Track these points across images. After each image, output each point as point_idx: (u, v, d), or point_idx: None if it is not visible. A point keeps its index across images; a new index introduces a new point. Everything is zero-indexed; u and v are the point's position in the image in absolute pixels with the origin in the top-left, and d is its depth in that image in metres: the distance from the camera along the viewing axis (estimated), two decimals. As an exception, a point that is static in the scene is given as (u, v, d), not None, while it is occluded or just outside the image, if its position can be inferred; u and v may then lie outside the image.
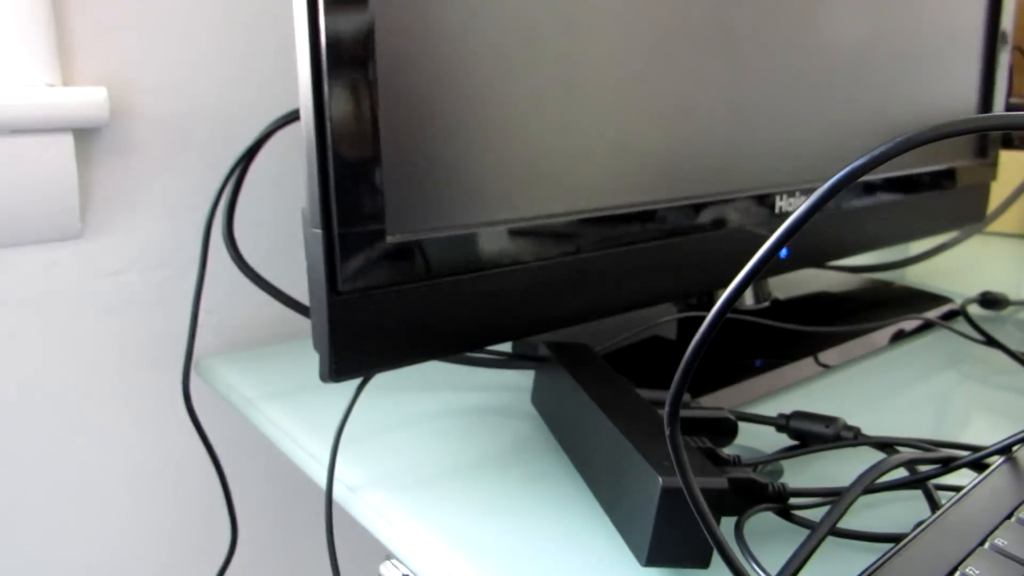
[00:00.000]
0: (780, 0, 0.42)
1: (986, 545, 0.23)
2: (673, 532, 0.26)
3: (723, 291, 0.24)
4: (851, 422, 0.38)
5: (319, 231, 0.28)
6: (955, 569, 0.22)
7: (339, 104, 0.27)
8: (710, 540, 0.23)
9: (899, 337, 0.49)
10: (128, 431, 0.47)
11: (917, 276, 0.63)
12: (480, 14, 0.30)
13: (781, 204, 0.44)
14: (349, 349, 0.28)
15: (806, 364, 0.44)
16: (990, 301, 0.53)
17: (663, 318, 0.49)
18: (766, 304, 0.52)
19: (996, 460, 0.28)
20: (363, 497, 0.32)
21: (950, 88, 0.55)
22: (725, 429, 0.32)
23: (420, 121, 0.29)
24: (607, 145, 0.35)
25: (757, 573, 0.25)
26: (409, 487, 0.32)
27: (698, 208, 0.40)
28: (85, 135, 0.43)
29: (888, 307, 0.52)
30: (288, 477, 0.54)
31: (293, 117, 0.39)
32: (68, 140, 0.41)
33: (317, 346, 0.29)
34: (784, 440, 0.36)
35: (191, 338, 0.39)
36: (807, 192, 0.45)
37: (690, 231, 0.39)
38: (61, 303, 0.43)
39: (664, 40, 0.37)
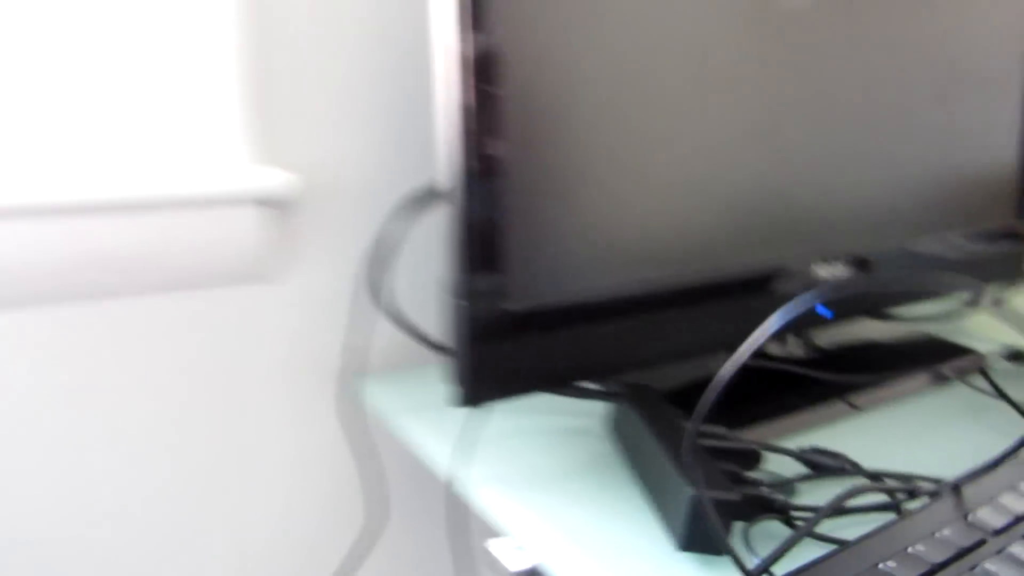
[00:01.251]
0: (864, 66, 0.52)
1: (885, 564, 0.33)
2: (698, 528, 0.37)
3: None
4: (868, 458, 0.47)
5: (461, 303, 0.40)
6: (875, 565, 0.32)
7: (477, 204, 0.39)
8: (719, 534, 0.34)
9: (923, 385, 0.58)
10: (288, 431, 0.60)
11: (956, 326, 0.71)
12: (599, 118, 0.42)
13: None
14: (478, 386, 0.40)
15: (836, 406, 0.53)
16: (1014, 355, 0.61)
17: (712, 360, 0.59)
18: (803, 353, 0.61)
19: (946, 491, 0.38)
20: (478, 489, 0.44)
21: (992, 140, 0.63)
22: (751, 457, 0.43)
23: (540, 216, 0.41)
24: (700, 216, 0.46)
25: (749, 559, 0.36)
26: (515, 482, 0.44)
27: (774, 273, 0.50)
28: (277, 204, 0.57)
29: (919, 358, 0.61)
30: (415, 473, 0.67)
31: (427, 197, 0.51)
32: (263, 211, 0.55)
33: (453, 380, 0.41)
34: (804, 469, 0.46)
35: (344, 359, 0.52)
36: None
37: (757, 293, 0.50)
38: (249, 328, 0.57)
39: (768, 109, 0.47)
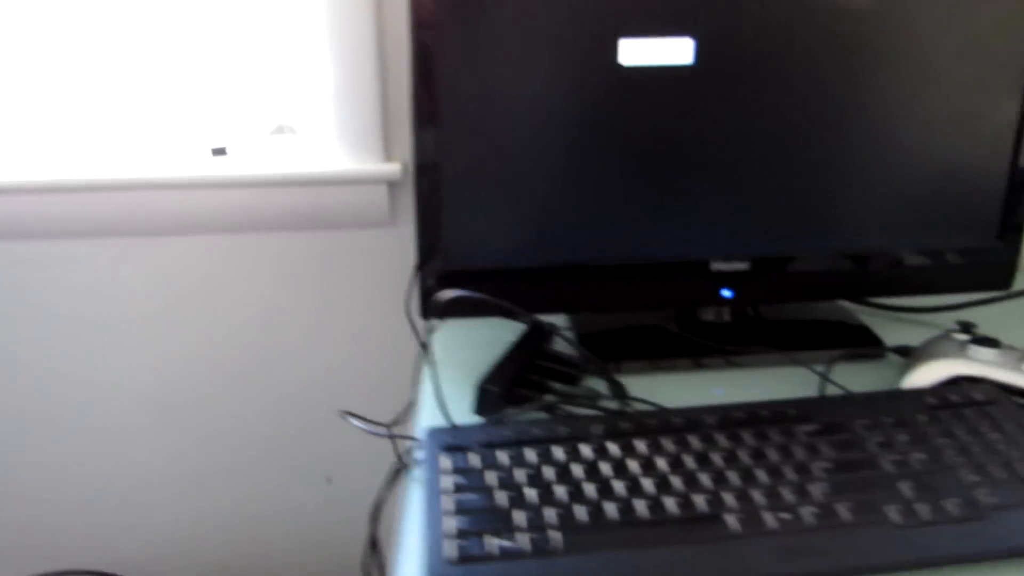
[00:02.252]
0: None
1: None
2: (481, 402, 0.63)
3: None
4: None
5: (419, 259, 0.70)
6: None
7: (427, 189, 0.69)
8: (487, 407, 0.61)
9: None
10: (376, 349, 0.96)
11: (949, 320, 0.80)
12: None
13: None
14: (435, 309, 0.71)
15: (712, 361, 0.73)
16: (904, 351, 0.71)
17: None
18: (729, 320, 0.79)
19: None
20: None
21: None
22: (572, 378, 0.67)
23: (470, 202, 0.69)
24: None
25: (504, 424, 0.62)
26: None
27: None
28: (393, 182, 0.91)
29: (830, 337, 0.75)
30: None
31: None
32: (385, 187, 0.90)
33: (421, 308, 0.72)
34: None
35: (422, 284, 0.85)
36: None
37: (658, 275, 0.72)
38: (373, 262, 0.93)
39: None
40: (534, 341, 0.70)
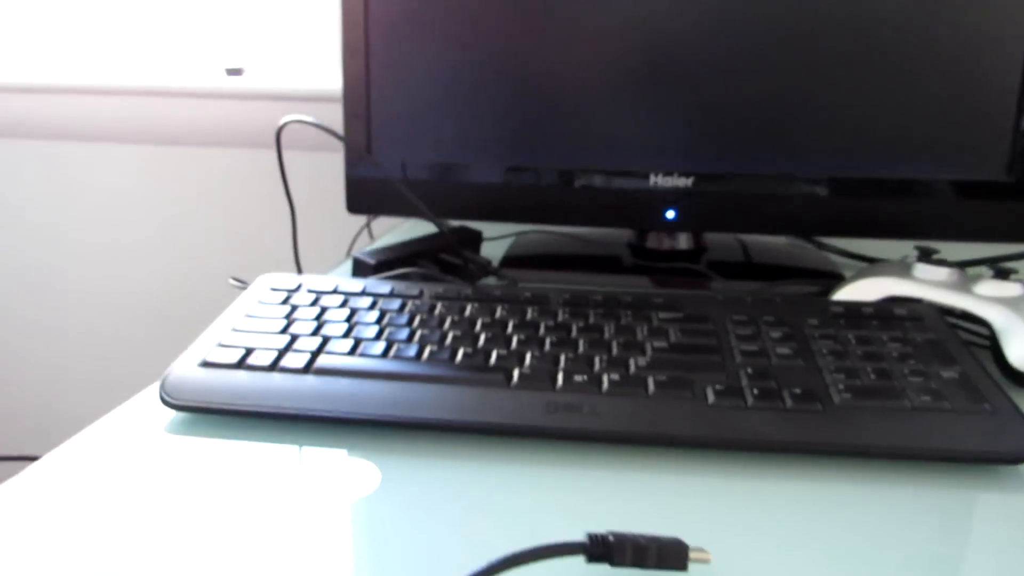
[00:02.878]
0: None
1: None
2: (359, 271, 0.61)
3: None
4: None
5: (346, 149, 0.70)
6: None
7: (356, 89, 0.68)
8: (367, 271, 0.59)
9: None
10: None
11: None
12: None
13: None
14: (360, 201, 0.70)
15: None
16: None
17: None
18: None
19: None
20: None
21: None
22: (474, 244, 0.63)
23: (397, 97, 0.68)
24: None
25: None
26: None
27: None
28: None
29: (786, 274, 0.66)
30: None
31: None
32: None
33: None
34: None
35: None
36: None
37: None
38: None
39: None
40: (443, 240, 0.66)
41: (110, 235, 1.03)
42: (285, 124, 0.55)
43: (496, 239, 0.75)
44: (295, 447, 0.41)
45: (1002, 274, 0.51)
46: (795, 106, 0.62)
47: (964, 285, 0.52)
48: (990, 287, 0.50)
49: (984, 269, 0.53)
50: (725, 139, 0.63)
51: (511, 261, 0.70)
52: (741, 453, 0.41)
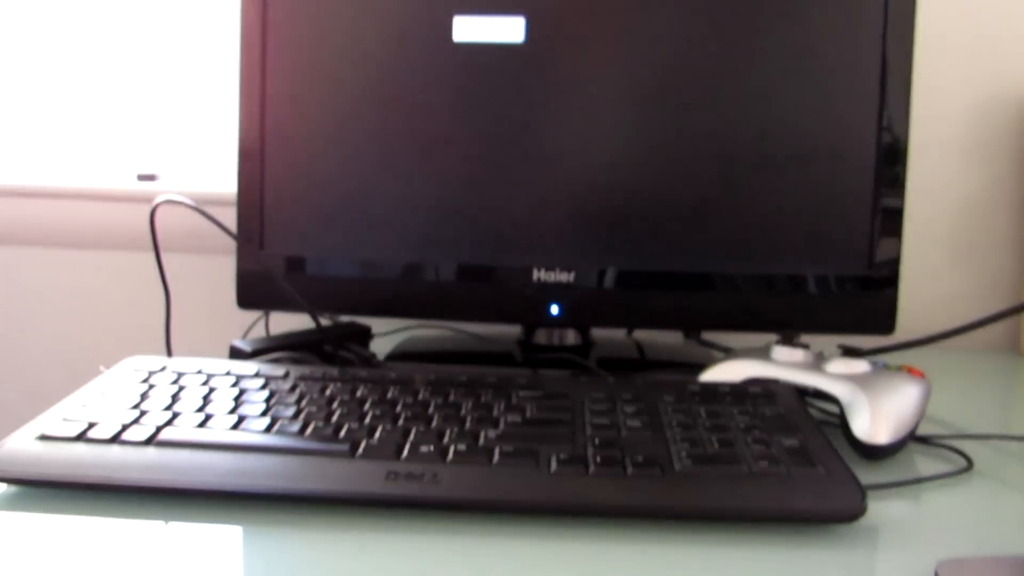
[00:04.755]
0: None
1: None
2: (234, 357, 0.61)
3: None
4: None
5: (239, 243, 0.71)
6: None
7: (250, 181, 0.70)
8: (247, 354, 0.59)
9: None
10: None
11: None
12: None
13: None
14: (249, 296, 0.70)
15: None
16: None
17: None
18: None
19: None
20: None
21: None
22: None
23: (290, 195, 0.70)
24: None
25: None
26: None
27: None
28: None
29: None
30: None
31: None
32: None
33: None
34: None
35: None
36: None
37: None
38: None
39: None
40: (326, 333, 0.67)
41: (10, 338, 1.01)
42: (158, 204, 0.56)
43: (387, 334, 0.76)
44: (130, 520, 0.39)
45: (851, 353, 0.53)
46: (669, 206, 0.65)
47: (817, 365, 0.53)
48: (839, 365, 0.52)
49: (836, 349, 0.55)
50: (605, 236, 0.66)
51: (398, 356, 0.71)
52: (583, 519, 0.41)
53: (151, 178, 0.94)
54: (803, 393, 0.52)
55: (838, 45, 0.64)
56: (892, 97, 0.64)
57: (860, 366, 0.52)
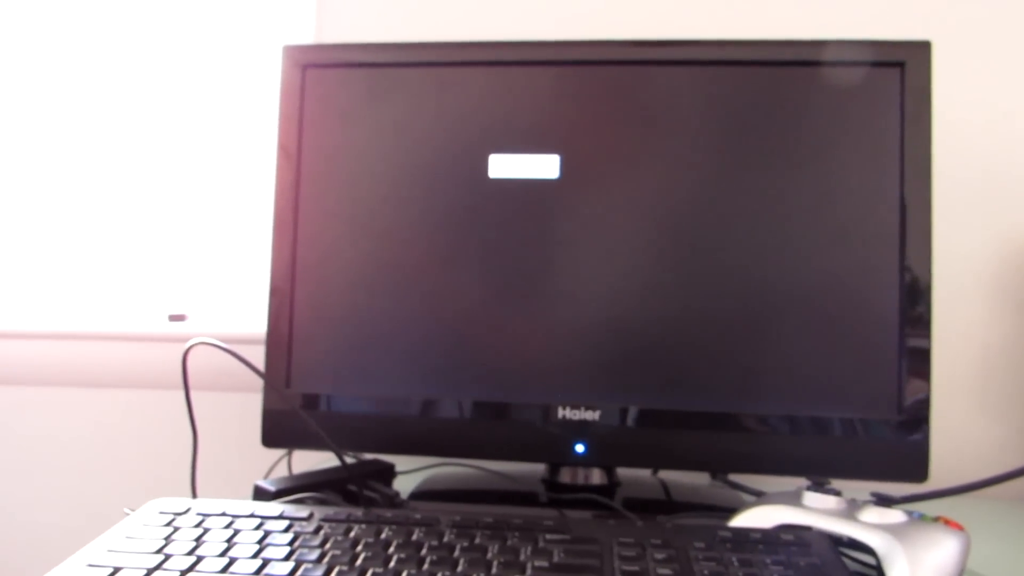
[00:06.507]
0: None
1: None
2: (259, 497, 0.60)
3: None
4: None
5: (266, 380, 0.71)
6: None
7: (280, 321, 0.72)
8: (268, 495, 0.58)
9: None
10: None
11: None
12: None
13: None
14: (274, 435, 0.70)
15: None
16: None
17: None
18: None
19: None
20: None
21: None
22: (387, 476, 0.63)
23: (316, 334, 0.71)
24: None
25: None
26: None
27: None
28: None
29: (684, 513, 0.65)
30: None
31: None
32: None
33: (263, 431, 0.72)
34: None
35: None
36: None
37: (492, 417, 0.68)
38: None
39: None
40: (350, 471, 0.67)
41: (42, 479, 1.01)
42: (191, 347, 0.57)
43: (411, 472, 0.75)
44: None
45: (884, 502, 0.52)
46: (693, 345, 0.66)
47: (850, 513, 0.52)
48: (874, 514, 0.51)
49: (867, 495, 0.54)
50: (630, 374, 0.66)
51: (423, 494, 0.70)
52: None
53: (181, 318, 0.96)
54: (837, 542, 0.51)
55: (858, 187, 0.66)
56: (912, 238, 0.65)
57: (895, 516, 0.50)
